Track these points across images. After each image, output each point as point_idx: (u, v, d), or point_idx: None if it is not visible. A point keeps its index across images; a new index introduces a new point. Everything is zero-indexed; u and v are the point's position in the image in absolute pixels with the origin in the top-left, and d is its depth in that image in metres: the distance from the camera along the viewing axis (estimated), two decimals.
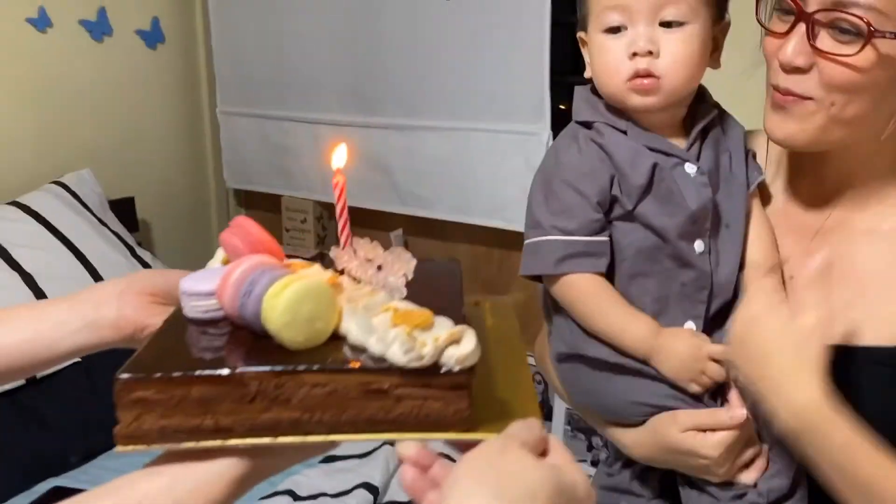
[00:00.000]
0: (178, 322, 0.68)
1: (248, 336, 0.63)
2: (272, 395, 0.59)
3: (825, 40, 0.84)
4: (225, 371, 0.59)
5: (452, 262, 0.79)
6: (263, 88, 2.77)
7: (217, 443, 0.59)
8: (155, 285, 0.81)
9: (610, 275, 0.92)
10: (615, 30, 0.90)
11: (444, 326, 0.60)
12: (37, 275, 2.17)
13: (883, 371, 0.88)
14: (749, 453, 0.91)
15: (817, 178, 0.99)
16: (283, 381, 0.59)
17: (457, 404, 0.59)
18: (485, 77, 2.28)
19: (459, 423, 0.59)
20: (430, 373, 0.58)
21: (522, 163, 2.24)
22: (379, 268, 0.67)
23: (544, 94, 2.19)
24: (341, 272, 0.70)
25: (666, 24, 0.90)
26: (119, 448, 0.60)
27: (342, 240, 0.70)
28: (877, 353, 0.88)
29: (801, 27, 0.85)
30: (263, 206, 2.96)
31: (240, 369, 0.59)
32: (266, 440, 0.60)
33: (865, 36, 0.81)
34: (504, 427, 0.58)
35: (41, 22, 2.49)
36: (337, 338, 0.62)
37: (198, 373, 0.59)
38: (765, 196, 1.02)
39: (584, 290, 0.91)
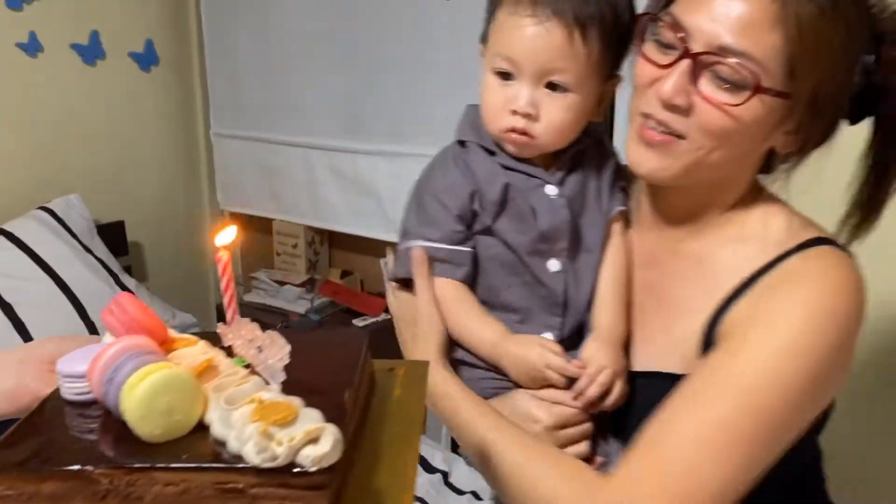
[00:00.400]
0: (54, 403, 0.66)
1: (115, 423, 0.61)
2: (124, 492, 0.56)
3: (707, 84, 0.85)
4: (75, 467, 0.56)
5: (360, 335, 0.76)
6: (256, 111, 2.77)
7: None
8: (54, 353, 0.79)
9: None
10: (504, 75, 0.95)
11: (307, 421, 0.57)
12: (17, 305, 2.16)
13: (659, 395, 0.91)
14: (575, 431, 0.96)
15: (669, 207, 1.01)
16: (134, 479, 0.56)
17: None
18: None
19: None
20: (286, 472, 0.55)
21: None
22: (259, 349, 0.64)
23: None
24: (228, 349, 0.67)
25: (551, 86, 0.94)
26: None
27: (228, 316, 0.68)
28: (657, 378, 0.95)
29: (683, 65, 0.85)
30: (256, 229, 2.95)
31: (89, 466, 0.56)
32: None
33: (752, 89, 0.82)
34: None
35: (32, 47, 2.50)
36: (203, 427, 0.60)
37: (49, 469, 0.56)
38: (628, 224, 1.05)
39: (443, 295, 0.99)
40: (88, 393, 0.64)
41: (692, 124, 0.86)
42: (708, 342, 0.91)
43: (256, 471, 0.55)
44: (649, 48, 0.90)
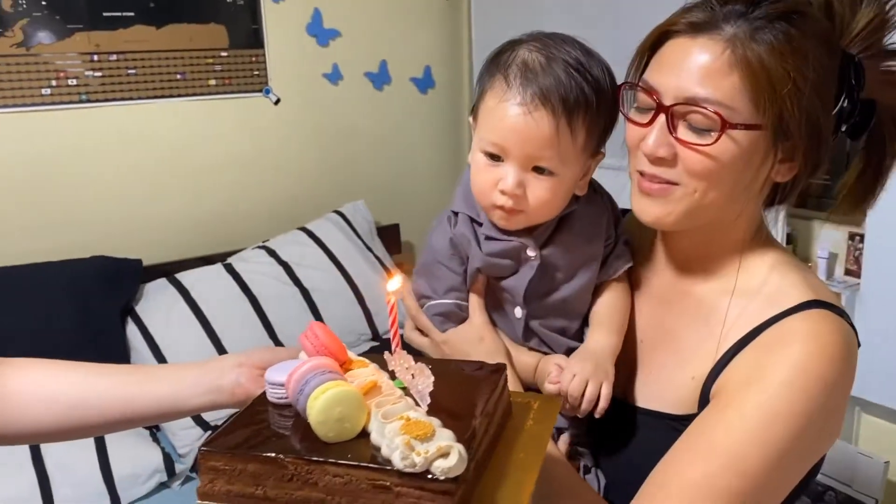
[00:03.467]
0: (262, 401, 0.86)
1: (303, 422, 0.80)
2: (304, 477, 0.75)
3: (684, 132, 0.92)
4: (271, 454, 0.75)
5: (498, 370, 0.90)
6: None
7: None
8: (265, 361, 1.00)
9: None
10: (493, 157, 1.01)
11: (441, 439, 0.73)
12: (313, 291, 2.67)
13: (660, 433, 0.97)
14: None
15: (679, 251, 1.06)
16: (311, 468, 0.74)
17: None
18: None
19: None
20: (422, 477, 0.71)
21: None
22: (412, 376, 0.82)
23: None
24: (392, 373, 0.85)
25: (538, 170, 0.99)
26: (198, 502, 0.79)
27: (392, 347, 0.85)
28: (656, 418, 1.00)
29: (660, 120, 0.93)
30: None
31: (281, 455, 0.75)
32: None
33: (720, 128, 0.89)
34: None
35: (334, 76, 3.01)
36: (366, 434, 0.77)
37: (251, 453, 0.76)
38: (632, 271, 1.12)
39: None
40: (285, 398, 0.83)
41: (680, 171, 0.93)
42: (705, 394, 0.96)
43: (400, 473, 0.71)
44: (632, 113, 0.98)
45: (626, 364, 1.08)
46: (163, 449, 2.28)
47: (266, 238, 2.86)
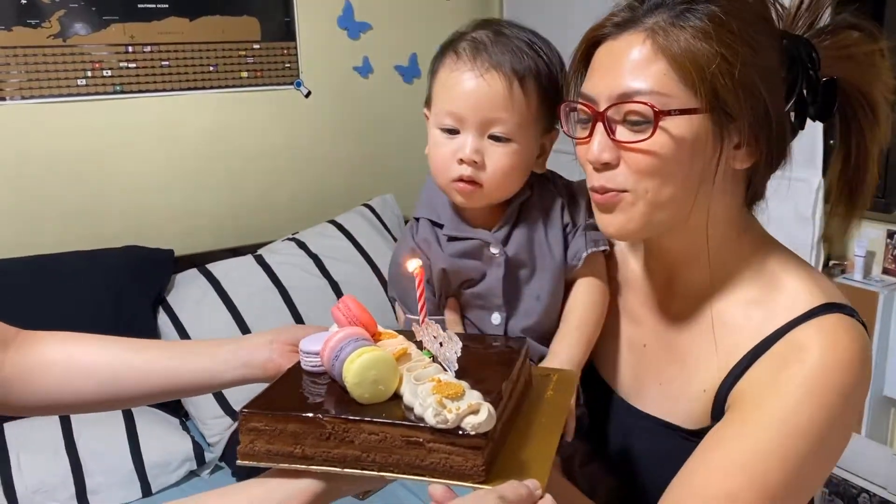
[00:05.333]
0: (296, 371, 0.90)
1: (337, 388, 0.84)
2: (341, 436, 0.78)
3: (623, 133, 0.89)
4: (310, 414, 0.79)
5: (521, 342, 0.94)
6: None
7: (302, 467, 0.80)
8: (295, 337, 1.03)
9: None
10: (449, 131, 1.02)
11: (471, 398, 0.76)
12: (341, 283, 2.71)
13: (673, 444, 0.96)
14: None
15: (660, 258, 1.04)
16: (348, 427, 0.78)
17: (473, 460, 0.75)
18: None
19: (475, 475, 0.75)
20: (453, 433, 0.74)
21: (791, 210, 2.22)
22: (440, 344, 0.85)
23: (817, 141, 2.16)
24: (419, 343, 0.89)
25: (494, 137, 1.00)
26: (239, 462, 0.82)
27: (420, 318, 0.88)
28: (665, 427, 1.00)
29: (600, 126, 0.90)
30: None
31: (319, 415, 0.79)
32: (336, 469, 0.79)
33: (653, 120, 0.86)
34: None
35: (364, 70, 3.06)
36: (397, 396, 0.81)
37: (292, 413, 0.80)
38: (623, 262, 1.11)
39: None
40: (320, 366, 0.87)
41: (627, 175, 0.90)
42: (719, 405, 0.95)
43: (432, 430, 0.75)
44: (578, 131, 0.96)
45: (631, 367, 1.08)
46: (192, 438, 2.34)
47: (295, 230, 2.91)
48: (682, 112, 0.86)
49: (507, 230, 1.05)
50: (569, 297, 1.07)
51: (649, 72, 0.86)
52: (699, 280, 1.00)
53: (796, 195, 2.20)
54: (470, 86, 0.99)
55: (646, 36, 0.87)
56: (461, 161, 1.00)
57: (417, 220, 1.10)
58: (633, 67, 0.87)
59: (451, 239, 1.06)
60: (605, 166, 0.91)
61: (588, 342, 1.05)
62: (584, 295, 1.06)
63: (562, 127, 0.98)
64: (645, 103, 0.86)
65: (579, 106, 0.93)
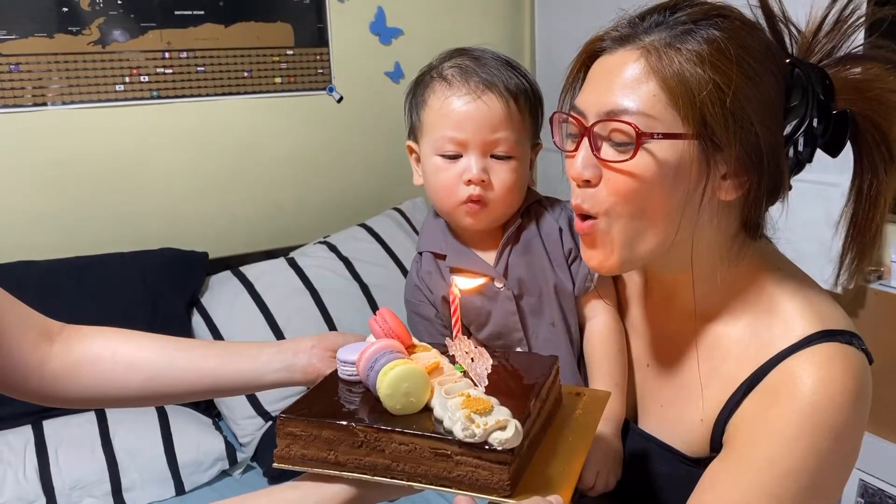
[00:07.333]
0: (333, 379, 0.94)
1: (371, 397, 0.87)
2: (372, 444, 0.82)
3: (608, 151, 0.87)
4: (344, 422, 0.83)
5: (551, 360, 0.96)
6: None
7: (335, 472, 0.84)
8: (336, 344, 1.06)
9: None
10: (451, 157, 1.03)
11: (499, 414, 0.79)
12: (371, 286, 2.75)
13: (676, 469, 0.97)
14: None
15: (655, 287, 1.04)
16: (380, 436, 0.81)
17: (499, 475, 0.78)
18: None
19: (500, 489, 0.78)
20: (480, 448, 0.77)
21: (822, 214, 2.13)
22: (472, 360, 0.88)
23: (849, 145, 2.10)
24: (451, 358, 0.92)
25: (496, 156, 1.02)
26: (275, 464, 0.86)
27: (454, 334, 0.92)
28: (665, 450, 1.00)
29: (586, 142, 0.88)
30: None
31: (353, 423, 0.82)
32: (366, 476, 0.83)
33: (636, 141, 0.84)
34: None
35: (396, 75, 3.10)
36: (428, 409, 0.84)
37: (327, 421, 0.83)
38: (629, 276, 1.10)
39: None
40: (356, 375, 0.91)
41: (605, 195, 0.88)
42: (716, 437, 0.94)
43: (460, 443, 0.78)
44: (567, 144, 0.94)
45: (636, 385, 1.08)
46: (225, 438, 2.37)
47: (327, 234, 2.95)
48: (667, 136, 0.84)
49: (505, 262, 1.07)
50: (585, 341, 1.07)
51: (639, 92, 0.85)
52: (692, 308, 0.98)
53: (828, 199, 2.17)
54: (469, 108, 1.01)
55: (640, 54, 0.86)
56: (469, 182, 1.02)
57: (420, 254, 1.12)
58: (623, 85, 0.86)
59: (454, 271, 1.08)
60: (587, 183, 0.89)
61: (622, 390, 1.05)
62: (602, 345, 1.06)
63: (552, 137, 0.96)
64: (629, 123, 0.84)
65: (571, 121, 0.92)
